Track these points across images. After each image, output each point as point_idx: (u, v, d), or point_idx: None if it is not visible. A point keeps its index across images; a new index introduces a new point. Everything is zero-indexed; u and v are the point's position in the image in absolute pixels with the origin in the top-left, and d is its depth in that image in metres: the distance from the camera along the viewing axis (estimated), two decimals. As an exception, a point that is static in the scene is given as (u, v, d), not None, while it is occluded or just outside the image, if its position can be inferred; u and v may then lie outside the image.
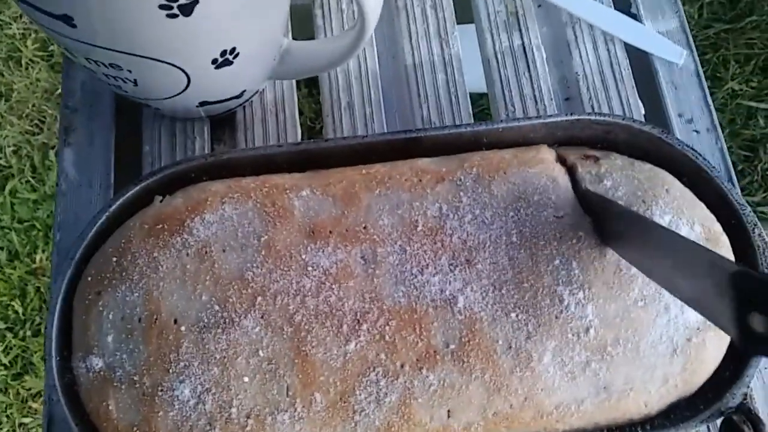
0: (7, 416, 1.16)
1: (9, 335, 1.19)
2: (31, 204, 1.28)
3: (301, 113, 1.04)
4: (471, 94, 0.51)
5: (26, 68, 1.38)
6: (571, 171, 0.40)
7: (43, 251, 1.24)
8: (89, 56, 0.36)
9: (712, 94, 1.27)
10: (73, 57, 0.38)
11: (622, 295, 0.37)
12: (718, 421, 0.40)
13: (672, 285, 0.32)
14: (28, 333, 1.20)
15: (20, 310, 1.22)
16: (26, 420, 1.16)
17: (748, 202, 1.20)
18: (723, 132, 1.23)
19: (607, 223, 0.37)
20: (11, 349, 1.19)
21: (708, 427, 0.42)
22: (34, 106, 1.35)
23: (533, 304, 0.36)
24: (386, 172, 0.39)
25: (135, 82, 0.39)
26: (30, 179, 1.29)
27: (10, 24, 1.40)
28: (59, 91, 1.35)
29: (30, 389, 1.17)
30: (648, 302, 0.37)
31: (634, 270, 0.37)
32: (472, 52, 0.52)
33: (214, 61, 0.38)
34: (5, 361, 1.18)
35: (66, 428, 0.41)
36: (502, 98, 0.50)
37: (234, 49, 0.38)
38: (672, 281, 0.32)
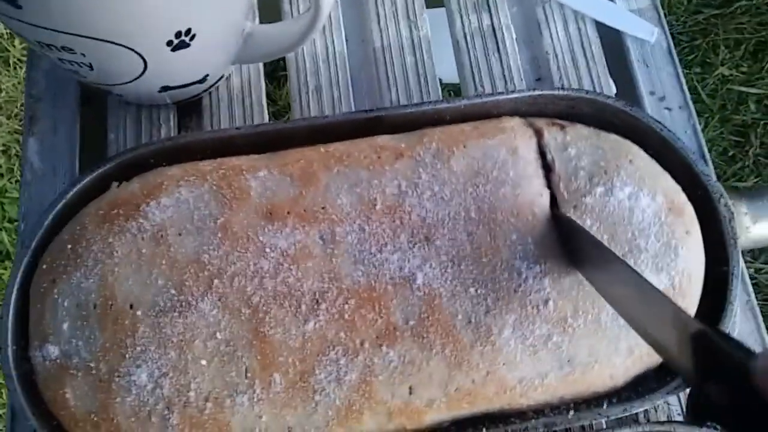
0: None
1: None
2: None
3: (274, 102, 1.04)
4: (446, 84, 0.50)
5: (14, 68, 1.37)
6: (537, 135, 0.39)
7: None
8: (40, 39, 0.36)
9: (702, 80, 1.26)
10: (28, 42, 0.37)
11: (574, 270, 0.37)
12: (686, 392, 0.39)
13: (634, 324, 0.31)
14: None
15: None
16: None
17: (739, 187, 1.20)
18: (714, 118, 1.23)
19: (575, 248, 0.36)
20: None
21: (678, 398, 0.42)
22: (22, 105, 1.35)
23: (492, 279, 0.36)
24: (345, 149, 0.39)
25: (91, 66, 0.38)
26: (19, 179, 1.28)
27: (-5, 25, 1.40)
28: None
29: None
30: None
31: None
32: (446, 40, 0.52)
33: (170, 43, 0.37)
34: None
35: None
36: (471, 79, 0.49)
37: (189, 30, 0.37)
38: (634, 321, 0.31)
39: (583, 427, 0.39)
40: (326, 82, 0.49)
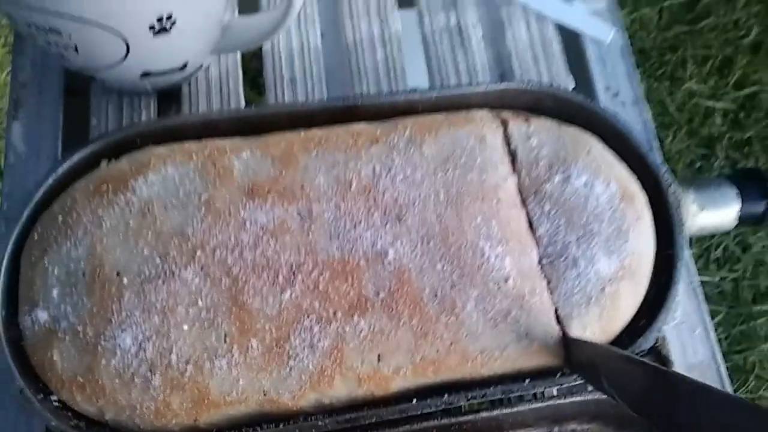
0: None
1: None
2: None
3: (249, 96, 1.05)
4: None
5: (-6, 66, 1.38)
6: (504, 125, 0.42)
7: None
8: (29, 21, 0.38)
9: (671, 93, 1.31)
10: (16, 25, 0.39)
11: (532, 252, 0.40)
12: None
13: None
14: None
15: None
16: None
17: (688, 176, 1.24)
18: (681, 130, 1.28)
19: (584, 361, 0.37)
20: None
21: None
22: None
23: (458, 257, 0.39)
24: (323, 134, 0.41)
25: (76, 49, 0.40)
26: (3, 161, 1.28)
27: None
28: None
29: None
30: (554, 258, 0.39)
31: (541, 231, 0.40)
32: (416, 42, 0.55)
33: (152, 28, 0.39)
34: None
35: (9, 384, 0.42)
36: (438, 74, 0.52)
37: (171, 15, 0.39)
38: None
39: (535, 395, 0.42)
40: (300, 73, 0.52)
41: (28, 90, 0.50)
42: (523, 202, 0.41)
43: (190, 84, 0.50)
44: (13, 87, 0.50)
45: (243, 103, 0.50)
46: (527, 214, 0.41)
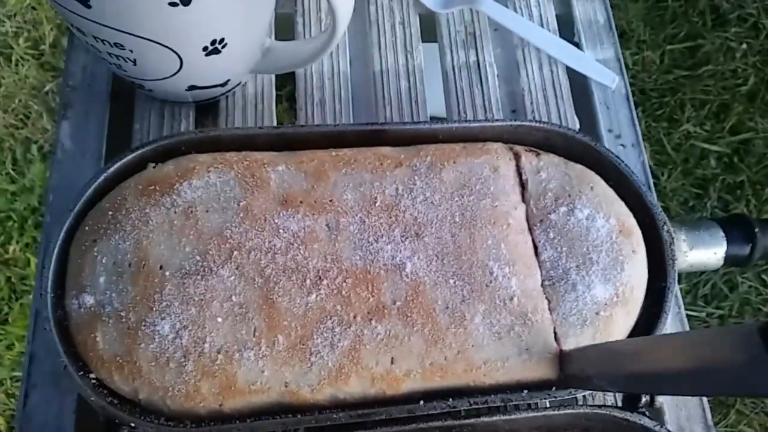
0: (-29, 402, 1.17)
1: (-23, 322, 1.21)
2: (9, 195, 1.31)
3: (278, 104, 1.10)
4: (433, 117, 0.58)
5: (16, 65, 1.42)
6: (516, 158, 0.47)
7: (17, 242, 1.27)
8: (98, 35, 0.42)
9: (668, 134, 1.37)
10: (82, 35, 0.43)
11: (536, 275, 0.43)
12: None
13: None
14: (-4, 321, 1.22)
15: (-10, 298, 1.23)
16: (-10, 408, 1.17)
17: (681, 218, 1.29)
18: (676, 170, 1.33)
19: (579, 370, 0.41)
20: (-22, 335, 1.20)
21: (615, 396, 0.48)
22: (20, 101, 1.39)
23: (468, 274, 0.43)
24: (352, 155, 0.45)
25: (134, 62, 0.44)
26: (10, 171, 1.32)
27: (4, 22, 1.44)
28: (47, 88, 1.39)
29: (-5, 377, 1.18)
30: (555, 281, 0.43)
31: (545, 256, 0.44)
32: (436, 73, 0.60)
33: (205, 48, 0.44)
34: (-28, 347, 1.19)
35: (46, 365, 0.45)
36: (456, 107, 0.57)
37: (223, 39, 0.44)
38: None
39: (529, 405, 0.45)
40: (329, 96, 0.56)
41: (77, 93, 0.54)
42: (530, 228, 0.45)
43: (227, 98, 0.55)
44: (64, 91, 0.54)
45: (275, 119, 0.54)
46: (533, 239, 0.45)
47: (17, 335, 1.19)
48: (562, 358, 0.42)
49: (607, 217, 0.45)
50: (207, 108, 0.54)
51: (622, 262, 0.44)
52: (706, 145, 1.36)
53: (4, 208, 1.31)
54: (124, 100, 0.55)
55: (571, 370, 0.41)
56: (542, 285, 0.44)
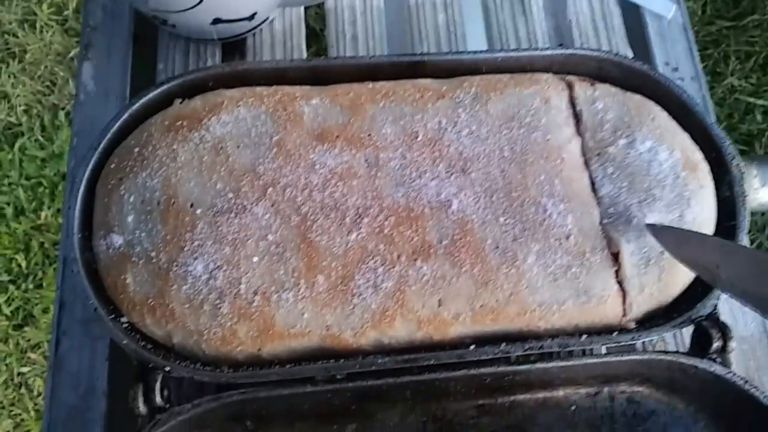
0: (6, 365, 1.19)
1: (12, 287, 1.22)
2: (39, 162, 1.31)
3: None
4: None
5: (41, 31, 1.41)
6: (569, 87, 0.43)
7: (49, 208, 1.27)
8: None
9: (711, 88, 1.30)
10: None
11: (593, 212, 0.40)
12: (685, 332, 0.43)
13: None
14: (30, 286, 1.23)
15: (23, 264, 1.24)
16: (24, 369, 1.18)
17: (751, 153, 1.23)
18: (721, 126, 1.26)
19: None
20: (13, 300, 1.21)
21: (674, 336, 0.45)
22: (46, 67, 1.38)
23: (520, 212, 0.39)
24: (390, 87, 0.42)
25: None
26: (39, 138, 1.31)
27: (28, -13, 1.43)
28: (71, 54, 1.38)
29: (29, 340, 1.19)
30: (615, 219, 0.40)
31: (603, 192, 0.41)
32: (476, 5, 0.55)
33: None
34: (7, 311, 1.20)
35: (76, 311, 0.43)
36: (498, 41, 0.53)
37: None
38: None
39: (583, 351, 0.42)
40: (362, 32, 0.53)
41: (98, 33, 0.51)
42: (586, 163, 0.41)
43: (254, 36, 0.52)
44: (84, 31, 0.52)
45: (305, 56, 0.51)
46: (590, 174, 0.41)
47: (52, 299, 1.20)
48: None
49: (670, 149, 0.42)
50: (233, 46, 0.51)
51: (688, 198, 0.41)
52: (751, 99, 1.29)
53: (35, 174, 1.31)
54: (146, 41, 0.52)
55: (696, 266, 0.37)
56: (601, 223, 0.40)
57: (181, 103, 0.41)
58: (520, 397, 0.42)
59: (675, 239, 0.38)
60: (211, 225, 0.37)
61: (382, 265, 0.38)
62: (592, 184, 0.41)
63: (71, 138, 0.48)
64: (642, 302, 0.40)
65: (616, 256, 0.40)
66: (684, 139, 0.43)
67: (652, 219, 0.40)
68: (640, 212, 0.40)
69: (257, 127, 0.40)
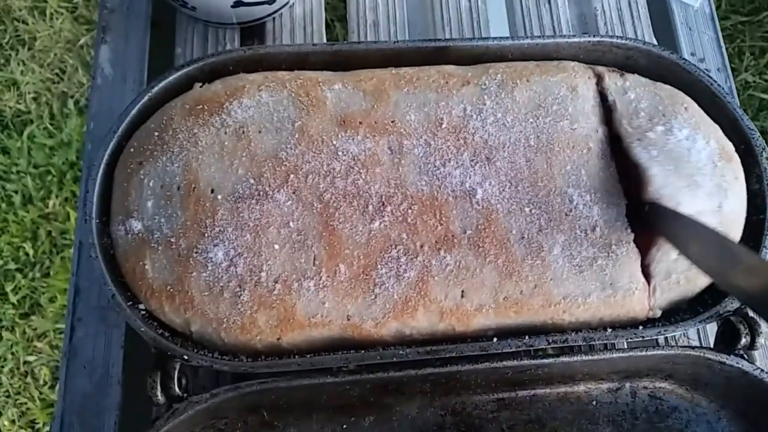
0: (12, 353, 1.19)
1: (19, 276, 1.21)
2: (47, 150, 1.30)
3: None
4: None
5: (50, 18, 1.40)
6: (598, 77, 0.42)
7: (56, 197, 1.26)
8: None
9: (724, 83, 1.28)
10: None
11: (620, 203, 0.39)
12: (709, 328, 0.42)
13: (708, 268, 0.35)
14: (38, 275, 1.22)
15: (31, 253, 1.24)
16: (31, 358, 1.18)
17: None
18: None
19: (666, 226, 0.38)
20: (20, 289, 1.21)
21: (698, 332, 0.44)
22: (56, 55, 1.37)
23: (546, 202, 0.39)
24: (415, 73, 0.41)
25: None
26: (48, 126, 1.31)
27: (37, -26, 1.42)
28: (81, 41, 1.37)
29: (36, 329, 1.19)
30: (663, 201, 0.38)
31: (653, 171, 0.39)
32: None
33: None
34: (14, 300, 1.20)
35: (91, 298, 0.43)
36: (522, 28, 0.52)
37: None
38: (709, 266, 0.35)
39: (605, 345, 0.41)
40: (383, 17, 0.52)
41: (116, 15, 0.51)
42: (627, 148, 0.40)
43: (274, 20, 0.51)
44: (101, 14, 0.51)
45: (324, 40, 0.50)
46: (635, 157, 0.39)
47: (59, 288, 1.19)
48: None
49: (706, 139, 0.41)
50: (252, 31, 0.50)
51: (726, 190, 0.40)
52: (765, 96, 1.27)
53: (43, 162, 1.30)
54: (164, 26, 0.51)
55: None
56: (629, 210, 0.39)
57: (201, 87, 0.41)
58: (541, 391, 0.41)
59: (689, 230, 0.36)
60: (232, 211, 0.36)
61: (405, 254, 0.37)
62: (625, 172, 0.40)
63: (87, 122, 0.47)
64: (668, 289, 0.39)
65: (641, 248, 0.39)
66: (717, 130, 0.42)
67: (696, 206, 0.38)
68: (685, 197, 0.38)
69: (279, 112, 0.39)
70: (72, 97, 1.35)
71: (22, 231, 1.27)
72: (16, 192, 1.29)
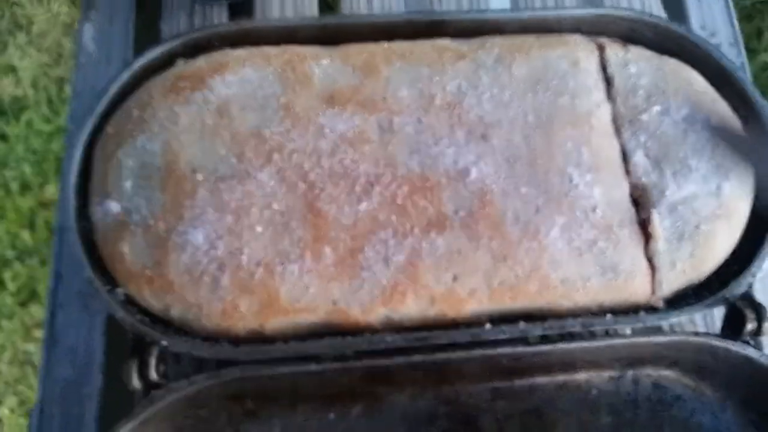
0: (12, 342, 1.18)
1: (17, 263, 1.20)
2: (45, 136, 1.29)
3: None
4: None
5: (48, 2, 1.38)
6: (600, 50, 0.40)
7: (54, 184, 1.25)
8: None
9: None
10: None
11: (623, 183, 0.37)
12: (716, 311, 0.40)
13: None
14: (36, 263, 1.21)
15: (29, 240, 1.23)
16: (29, 347, 1.17)
17: None
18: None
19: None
20: (18, 277, 1.20)
21: (704, 317, 0.42)
22: (53, 39, 1.36)
23: (544, 182, 0.37)
24: (407, 47, 0.39)
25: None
26: (45, 111, 1.29)
27: (34, -43, 1.40)
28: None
29: (34, 317, 1.18)
30: (647, 190, 0.37)
31: (635, 160, 0.38)
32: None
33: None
34: (12, 288, 1.19)
35: (72, 284, 0.41)
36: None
37: None
38: None
39: (607, 331, 0.39)
40: None
41: (100, -7, 0.49)
42: (617, 130, 0.39)
43: (262, -5, 0.49)
44: (86, -11, 0.49)
45: (317, 14, 0.48)
46: (621, 142, 0.38)
47: (55, 274, 1.18)
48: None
49: (710, 117, 0.39)
50: (240, 7, 0.48)
51: (728, 171, 0.38)
52: (786, 76, 1.24)
53: (41, 149, 1.29)
54: (150, 3, 0.49)
55: None
56: (631, 195, 0.37)
57: (184, 63, 0.39)
58: (539, 380, 0.40)
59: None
60: (212, 192, 0.35)
61: (394, 237, 0.35)
62: (624, 153, 0.38)
63: (69, 102, 0.45)
64: (673, 279, 0.37)
65: (645, 230, 0.37)
66: (724, 108, 0.40)
67: (685, 191, 0.37)
68: (674, 184, 0.37)
69: (264, 88, 0.37)
70: (69, 81, 1.34)
71: (20, 218, 1.25)
72: (15, 179, 1.28)
